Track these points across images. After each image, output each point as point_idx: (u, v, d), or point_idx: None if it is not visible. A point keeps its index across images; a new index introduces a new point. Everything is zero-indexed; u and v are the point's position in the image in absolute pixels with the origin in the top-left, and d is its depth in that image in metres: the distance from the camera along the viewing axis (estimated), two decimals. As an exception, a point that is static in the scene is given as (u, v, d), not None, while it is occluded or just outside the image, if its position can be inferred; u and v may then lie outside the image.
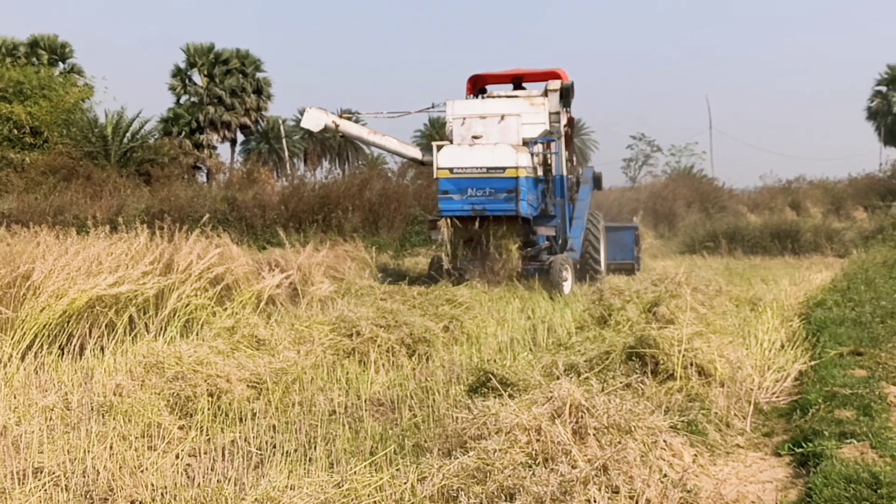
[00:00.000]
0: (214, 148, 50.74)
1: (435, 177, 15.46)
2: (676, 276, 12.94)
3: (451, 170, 15.14)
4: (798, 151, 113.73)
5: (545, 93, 16.45)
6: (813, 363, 8.30)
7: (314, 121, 17.08)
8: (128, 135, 37.37)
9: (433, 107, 17.15)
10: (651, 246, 26.90)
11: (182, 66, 50.96)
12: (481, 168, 15.03)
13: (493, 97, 16.65)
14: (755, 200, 36.16)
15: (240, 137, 55.51)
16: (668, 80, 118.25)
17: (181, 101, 50.93)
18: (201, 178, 43.99)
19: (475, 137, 15.40)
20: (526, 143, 15.49)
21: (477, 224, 15.24)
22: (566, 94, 16.59)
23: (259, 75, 52.93)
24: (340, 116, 17.33)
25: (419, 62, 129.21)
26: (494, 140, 15.36)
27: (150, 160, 35.97)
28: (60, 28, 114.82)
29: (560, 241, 16.49)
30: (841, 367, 8.07)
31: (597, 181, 18.96)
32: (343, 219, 27.30)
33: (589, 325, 10.70)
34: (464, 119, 15.65)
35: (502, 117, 15.55)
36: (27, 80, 37.55)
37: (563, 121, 16.68)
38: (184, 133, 47.99)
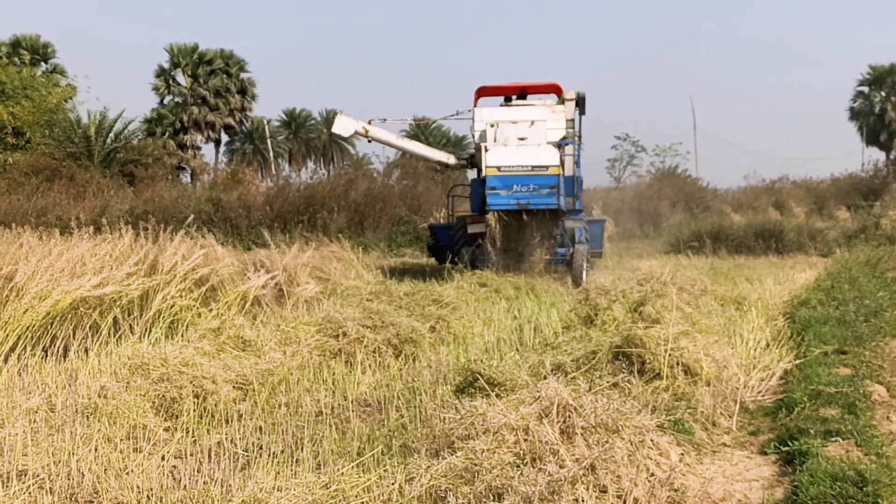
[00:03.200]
0: (198, 148, 50.60)
1: (483, 175, 16.71)
2: (662, 275, 12.97)
3: (498, 168, 16.44)
4: (781, 151, 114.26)
5: (562, 101, 17.87)
6: (798, 362, 8.34)
7: (345, 126, 18.32)
8: (111, 135, 37.21)
9: (457, 113, 18.62)
10: (637, 245, 27.00)
11: (166, 66, 50.78)
12: (526, 166, 16.40)
13: (517, 105, 18.05)
14: (739, 200, 36.35)
15: (224, 138, 55.32)
16: (653, 81, 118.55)
17: (165, 101, 50.72)
18: (185, 178, 43.96)
19: (521, 139, 16.92)
20: (550, 145, 16.89)
21: (525, 216, 16.73)
22: (581, 103, 17.98)
23: (243, 75, 52.81)
24: (369, 122, 18.35)
25: (412, 63, 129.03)
26: (529, 142, 16.91)
27: (133, 161, 35.84)
28: (42, 27, 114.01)
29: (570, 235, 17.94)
30: (826, 365, 8.11)
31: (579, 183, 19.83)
32: (328, 219, 27.29)
33: (575, 324, 10.70)
34: (497, 124, 17.11)
35: (532, 122, 17.07)
36: (9, 80, 37.28)
37: (578, 127, 18.16)
38: (168, 133, 47.76)
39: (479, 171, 17.80)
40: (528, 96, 18.61)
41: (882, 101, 55.76)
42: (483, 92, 18.81)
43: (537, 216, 16.88)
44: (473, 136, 17.88)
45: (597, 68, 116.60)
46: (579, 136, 18.41)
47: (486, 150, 16.62)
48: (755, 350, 8.98)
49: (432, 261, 20.13)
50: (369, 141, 18.86)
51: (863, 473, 4.97)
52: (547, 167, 16.33)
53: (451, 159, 19.50)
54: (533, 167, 16.35)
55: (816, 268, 18.82)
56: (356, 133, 18.51)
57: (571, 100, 17.77)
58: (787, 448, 5.94)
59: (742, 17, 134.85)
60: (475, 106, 18.26)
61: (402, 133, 43.83)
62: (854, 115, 57.51)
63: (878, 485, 4.87)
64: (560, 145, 17.03)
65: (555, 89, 18.37)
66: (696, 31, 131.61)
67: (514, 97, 18.46)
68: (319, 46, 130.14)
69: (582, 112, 18.15)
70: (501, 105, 18.27)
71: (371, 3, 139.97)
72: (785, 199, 34.72)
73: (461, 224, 18.30)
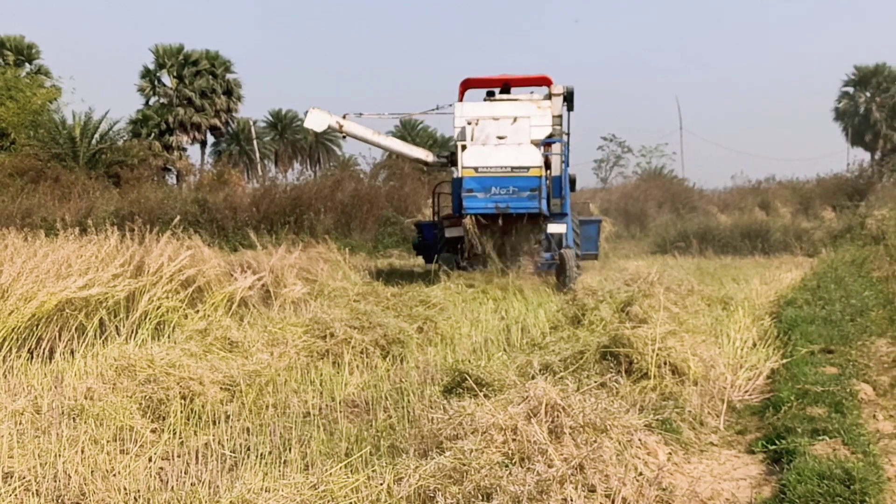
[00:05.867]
0: (184, 150, 50.39)
1: (459, 175, 15.85)
2: (649, 275, 12.99)
3: (475, 169, 15.61)
4: (767, 152, 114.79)
5: (549, 96, 16.89)
6: (785, 361, 8.37)
7: (318, 121, 17.45)
8: (96, 136, 37.04)
9: (437, 108, 17.84)
10: (624, 245, 27.06)
11: (151, 67, 50.57)
12: (506, 167, 15.59)
13: (501, 100, 16.98)
14: (725, 200, 36.58)
15: (210, 139, 55.13)
16: (639, 82, 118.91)
17: (150, 102, 50.51)
18: (171, 180, 43.78)
19: (500, 138, 15.92)
20: (534, 144, 15.98)
21: (500, 221, 15.87)
22: (570, 98, 17.00)
23: (229, 76, 52.63)
24: (344, 117, 17.53)
25: (402, 64, 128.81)
26: (508, 141, 15.89)
27: (119, 162, 35.70)
28: (27, 28, 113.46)
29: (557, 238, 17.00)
30: (812, 364, 8.14)
31: (572, 183, 19.19)
32: (315, 220, 27.27)
33: (563, 324, 10.70)
34: (477, 120, 16.08)
35: (515, 119, 16.06)
36: (-6, 81, 37.12)
37: (566, 123, 17.17)
38: (153, 135, 47.52)
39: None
40: (517, 90, 17.51)
41: (867, 101, 56.12)
42: (469, 84, 17.87)
43: (517, 220, 16.03)
44: (454, 132, 16.81)
45: (593, 69, 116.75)
46: (567, 134, 17.46)
47: (463, 150, 15.79)
48: (742, 349, 9.02)
49: (419, 261, 19.97)
50: (344, 137, 18.10)
51: (850, 472, 4.99)
52: (527, 168, 15.50)
53: (429, 157, 18.58)
54: (512, 168, 15.52)
55: (802, 268, 18.89)
56: (330, 128, 17.72)
57: (559, 95, 16.88)
58: (774, 447, 5.96)
59: (731, 17, 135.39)
60: (460, 100, 17.38)
61: (388, 133, 43.83)
62: (839, 115, 57.88)
63: (865, 483, 4.89)
64: (545, 143, 16.18)
65: (545, 82, 17.43)
66: (684, 30, 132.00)
67: (497, 91, 17.36)
68: (307, 47, 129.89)
69: (570, 108, 17.27)
70: (484, 100, 17.20)
71: (361, 3, 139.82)
72: (771, 200, 34.98)
73: (444, 223, 17.50)
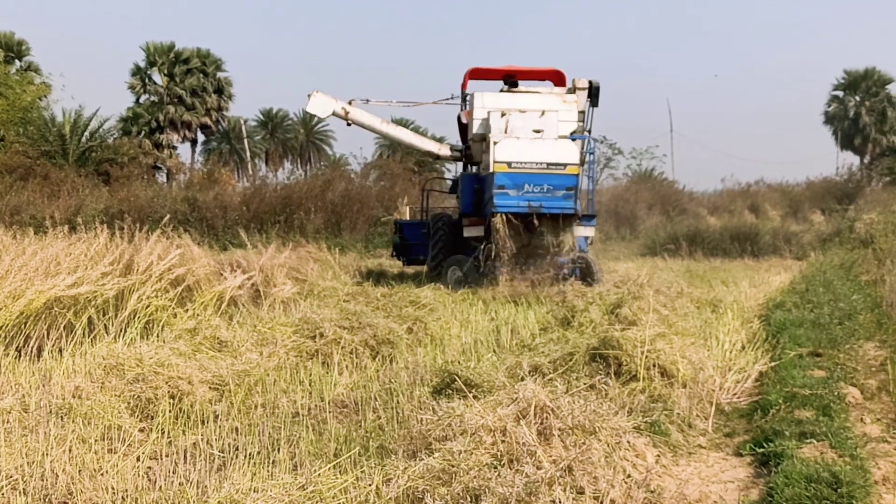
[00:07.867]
0: (175, 148, 50.21)
1: (491, 171, 14.80)
2: (638, 278, 13.03)
3: (509, 164, 14.60)
4: (757, 155, 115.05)
5: (573, 90, 16.14)
6: (773, 364, 8.41)
7: (321, 106, 16.57)
8: (86, 134, 36.93)
9: (452, 98, 17.06)
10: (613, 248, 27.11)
11: (142, 64, 50.40)
12: (541, 164, 14.60)
13: (524, 92, 16.15)
14: (715, 203, 36.71)
15: (200, 137, 54.94)
16: (630, 84, 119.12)
17: (141, 100, 50.31)
18: (161, 178, 43.64)
19: (536, 131, 15.00)
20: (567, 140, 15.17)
21: (536, 221, 14.78)
22: (595, 93, 16.17)
23: (220, 75, 52.49)
24: (350, 103, 16.74)
25: (397, 64, 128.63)
26: (544, 135, 15.00)
27: (109, 160, 35.60)
28: (16, 25, 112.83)
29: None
30: (800, 367, 8.17)
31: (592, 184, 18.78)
32: (305, 220, 27.26)
33: (552, 326, 10.73)
34: (501, 112, 15.19)
35: (543, 112, 15.21)
36: (-17, 78, 36.94)
37: (589, 120, 16.36)
38: (143, 133, 47.38)
39: (471, 164, 16.27)
40: (525, 83, 16.79)
41: (856, 105, 56.28)
42: (475, 74, 17.12)
43: (549, 221, 14.83)
44: (471, 124, 15.94)
45: (586, 70, 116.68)
46: (589, 131, 16.51)
47: (495, 143, 14.68)
48: (731, 352, 9.05)
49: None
50: (349, 124, 16.86)
51: (837, 475, 5.02)
52: (564, 165, 14.53)
53: (442, 150, 17.61)
54: (548, 165, 14.49)
55: (791, 271, 18.98)
56: (334, 114, 16.63)
57: (584, 89, 16.04)
58: (762, 450, 5.98)
59: (725, 20, 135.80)
60: (464, 89, 16.67)
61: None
62: (829, 119, 58.02)
63: (853, 486, 4.91)
64: (576, 139, 15.33)
65: (556, 76, 16.86)
66: (676, 31, 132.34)
67: (518, 83, 16.55)
68: (300, 46, 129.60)
69: (594, 104, 16.24)
70: (502, 91, 16.34)
71: (357, 2, 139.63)
72: (760, 203, 35.14)
73: (439, 222, 16.62)
